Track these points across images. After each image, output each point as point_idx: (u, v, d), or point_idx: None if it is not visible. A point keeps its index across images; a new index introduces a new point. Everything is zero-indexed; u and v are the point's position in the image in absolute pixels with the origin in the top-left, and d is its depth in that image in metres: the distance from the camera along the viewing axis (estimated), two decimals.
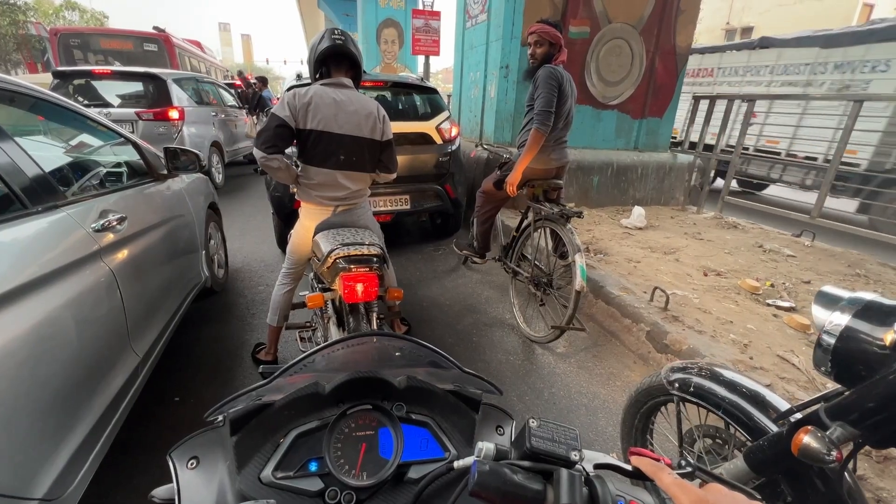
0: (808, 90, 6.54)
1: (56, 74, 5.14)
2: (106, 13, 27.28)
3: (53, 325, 1.16)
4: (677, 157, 5.09)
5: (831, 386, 1.77)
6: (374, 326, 1.66)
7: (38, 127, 1.93)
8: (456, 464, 0.48)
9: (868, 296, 0.80)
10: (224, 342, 2.41)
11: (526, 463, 0.44)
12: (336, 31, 1.74)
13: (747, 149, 6.52)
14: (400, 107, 4.06)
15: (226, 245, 3.27)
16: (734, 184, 6.33)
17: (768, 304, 2.63)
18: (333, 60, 1.77)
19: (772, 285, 2.88)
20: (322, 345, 0.70)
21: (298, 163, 1.85)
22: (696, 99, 5.21)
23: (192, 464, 0.51)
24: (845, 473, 0.83)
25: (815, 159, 6.08)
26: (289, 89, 1.93)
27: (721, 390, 1.06)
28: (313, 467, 0.52)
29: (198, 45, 12.58)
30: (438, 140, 3.58)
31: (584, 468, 0.45)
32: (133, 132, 5.02)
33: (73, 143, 1.94)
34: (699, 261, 3.28)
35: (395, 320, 2.38)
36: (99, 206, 1.57)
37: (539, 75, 2.36)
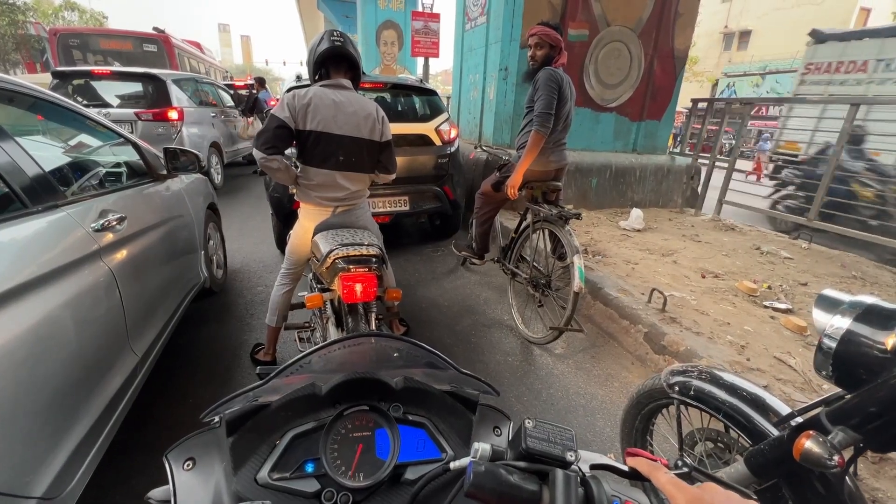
0: None
1: (55, 74, 5.14)
2: (105, 13, 27.25)
3: (53, 325, 1.16)
4: (675, 160, 5.11)
5: (828, 388, 1.78)
6: (373, 327, 1.67)
7: (38, 126, 1.93)
8: (452, 465, 0.48)
9: (869, 299, 0.80)
10: (223, 342, 2.41)
11: (522, 464, 0.44)
12: (335, 33, 1.75)
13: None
14: (399, 108, 4.07)
15: (224, 245, 3.27)
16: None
17: (765, 306, 2.64)
18: (332, 62, 1.78)
19: (769, 287, 2.90)
20: (319, 345, 0.70)
21: (298, 164, 1.85)
22: (694, 102, 5.24)
23: (188, 465, 0.51)
24: (846, 478, 0.83)
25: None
26: (288, 90, 1.94)
27: (721, 394, 1.06)
28: (310, 468, 0.52)
29: (197, 45, 12.58)
30: (437, 141, 3.58)
31: (580, 469, 0.45)
32: (132, 132, 5.02)
33: (73, 142, 1.94)
34: (697, 263, 3.29)
35: (393, 321, 2.38)
36: (99, 205, 1.58)
37: (539, 77, 2.37)
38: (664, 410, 1.30)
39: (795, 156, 5.99)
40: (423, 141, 3.56)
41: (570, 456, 0.44)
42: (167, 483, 0.50)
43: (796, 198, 5.00)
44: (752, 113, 4.70)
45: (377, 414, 0.56)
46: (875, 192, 4.46)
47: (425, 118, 3.74)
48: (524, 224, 2.72)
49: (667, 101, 5.04)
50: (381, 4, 14.42)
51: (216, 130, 6.41)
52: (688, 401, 1.13)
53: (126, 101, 5.27)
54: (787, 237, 4.09)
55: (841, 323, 0.79)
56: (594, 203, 4.75)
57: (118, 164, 2.05)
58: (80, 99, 5.14)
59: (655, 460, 0.47)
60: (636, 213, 4.19)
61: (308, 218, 1.87)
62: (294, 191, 1.94)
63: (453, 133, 3.70)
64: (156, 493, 0.51)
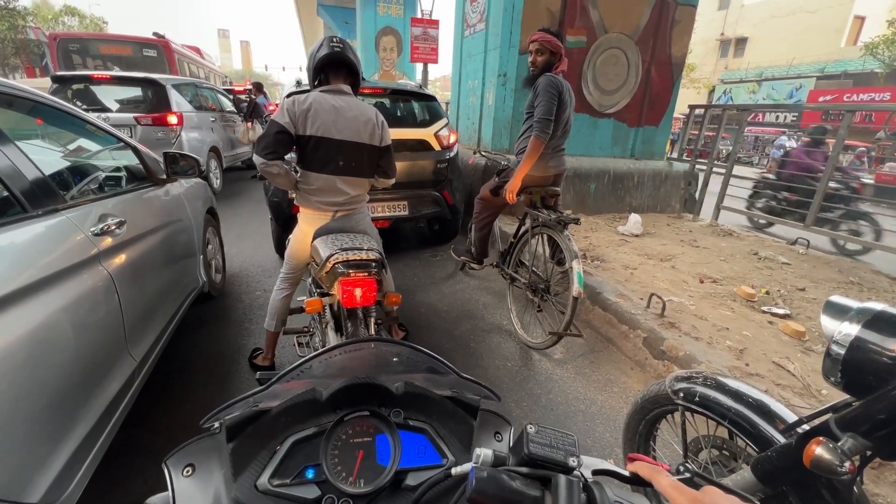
0: None
1: (55, 79, 5.16)
2: (105, 19, 27.33)
3: (51, 329, 1.16)
4: (673, 166, 5.13)
5: (828, 393, 1.78)
6: (373, 332, 1.66)
7: (37, 130, 1.94)
8: (454, 470, 0.48)
9: (878, 306, 0.79)
10: (221, 347, 2.40)
11: (524, 469, 0.44)
12: (334, 39, 1.76)
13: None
14: (398, 113, 4.09)
15: (223, 250, 3.27)
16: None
17: (764, 311, 2.65)
18: (332, 68, 1.79)
19: (767, 292, 2.90)
20: (319, 350, 0.70)
21: (298, 168, 1.86)
22: (691, 108, 5.27)
23: (187, 471, 0.51)
24: (854, 485, 0.83)
25: None
26: (288, 96, 1.95)
27: (727, 400, 1.05)
28: (310, 474, 0.52)
29: (197, 51, 12.63)
30: (437, 147, 3.60)
31: (582, 474, 0.45)
32: (131, 137, 5.02)
33: (73, 146, 1.95)
34: (695, 268, 3.30)
35: (393, 326, 2.38)
36: (98, 210, 1.58)
37: (539, 83, 2.39)
38: (668, 417, 1.30)
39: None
40: (422, 146, 3.58)
41: (572, 461, 0.44)
42: (166, 490, 0.49)
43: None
44: (748, 119, 4.73)
45: (378, 419, 0.56)
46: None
47: (424, 123, 3.76)
48: (523, 229, 2.73)
49: (664, 108, 5.08)
50: (381, 11, 14.52)
51: (215, 135, 6.42)
52: (693, 407, 1.12)
53: (125, 105, 5.29)
54: (785, 242, 4.10)
55: (849, 329, 0.79)
56: (592, 208, 4.77)
57: (118, 169, 2.05)
58: (79, 103, 5.14)
59: (657, 464, 0.47)
60: (634, 218, 4.21)
61: (308, 222, 1.88)
62: (293, 195, 1.94)
63: (452, 138, 3.71)
64: (154, 499, 0.51)
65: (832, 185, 4.36)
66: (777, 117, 20.59)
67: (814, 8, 21.31)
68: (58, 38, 9.23)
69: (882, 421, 0.74)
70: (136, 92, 5.35)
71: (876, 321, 0.77)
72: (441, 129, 3.64)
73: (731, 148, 4.90)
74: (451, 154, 3.70)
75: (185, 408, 1.91)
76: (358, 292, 1.46)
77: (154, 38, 9.53)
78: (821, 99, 18.89)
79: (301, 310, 1.81)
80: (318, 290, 1.85)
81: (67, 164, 1.79)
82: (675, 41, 4.85)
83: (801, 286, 3.04)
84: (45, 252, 1.24)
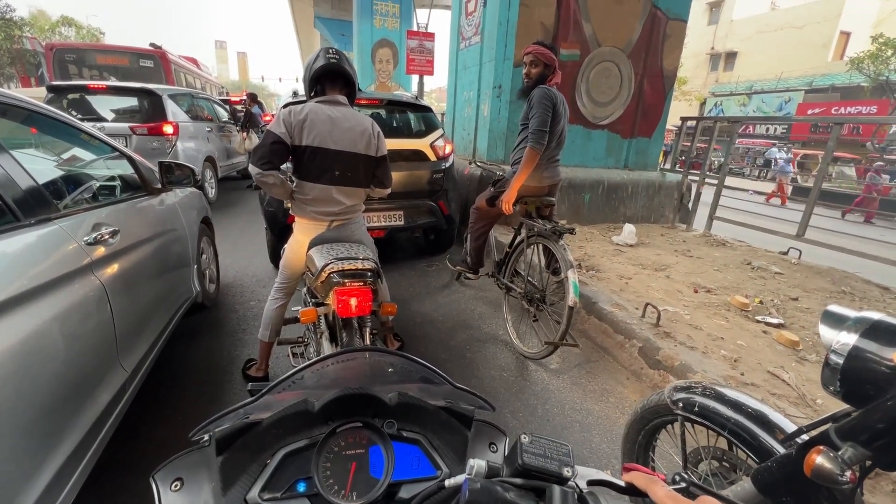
0: None
1: (50, 89, 5.16)
2: (102, 30, 27.45)
3: (42, 339, 1.14)
4: (666, 176, 5.19)
5: (823, 402, 1.78)
6: (368, 342, 1.65)
7: (32, 139, 1.93)
8: (447, 482, 0.47)
9: (875, 315, 0.79)
10: (214, 358, 2.38)
11: (518, 480, 0.43)
12: (331, 51, 1.78)
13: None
14: (395, 124, 4.11)
15: (218, 260, 3.25)
16: None
17: (758, 321, 2.66)
18: (328, 78, 1.80)
19: (761, 302, 2.92)
20: (312, 361, 0.69)
21: (293, 178, 1.86)
22: (683, 120, 5.35)
23: (176, 486, 0.50)
24: (854, 496, 0.82)
25: None
26: (285, 106, 1.96)
27: (726, 410, 1.05)
28: (301, 488, 0.51)
29: (194, 61, 12.70)
30: (432, 157, 3.62)
31: (577, 485, 0.45)
32: (127, 146, 5.02)
33: (67, 155, 1.94)
34: (689, 277, 3.32)
35: (388, 336, 2.36)
36: (92, 219, 1.57)
37: (534, 95, 2.42)
38: (668, 427, 1.29)
39: None
40: (418, 156, 3.60)
41: (566, 472, 0.44)
42: None
43: None
44: (739, 131, 4.81)
45: (371, 431, 0.55)
46: None
47: (420, 134, 3.79)
48: (518, 239, 2.74)
49: (657, 119, 5.15)
50: (377, 23, 14.71)
51: (211, 145, 6.43)
52: (692, 417, 1.12)
53: (121, 115, 5.29)
54: (777, 252, 4.14)
55: (847, 339, 0.79)
56: (587, 218, 4.80)
57: (112, 178, 2.04)
58: (74, 113, 5.14)
59: (652, 474, 0.47)
60: (629, 228, 4.24)
61: (303, 232, 1.87)
62: (289, 205, 1.94)
63: (448, 149, 3.74)
64: None
65: None
66: (767, 129, 20.94)
67: (800, 24, 21.83)
68: (54, 48, 9.25)
69: (881, 431, 0.74)
70: (132, 102, 5.36)
71: (874, 330, 0.77)
72: (437, 139, 3.66)
73: (722, 159, 4.95)
74: (447, 164, 3.72)
75: (176, 419, 1.88)
76: (353, 302, 1.45)
77: (151, 48, 9.57)
78: (809, 112, 19.24)
79: (296, 320, 1.79)
80: (313, 300, 1.84)
81: (61, 172, 1.78)
82: (667, 55, 4.94)
83: (794, 296, 3.07)
84: (37, 261, 1.23)
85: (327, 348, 1.65)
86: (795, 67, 21.08)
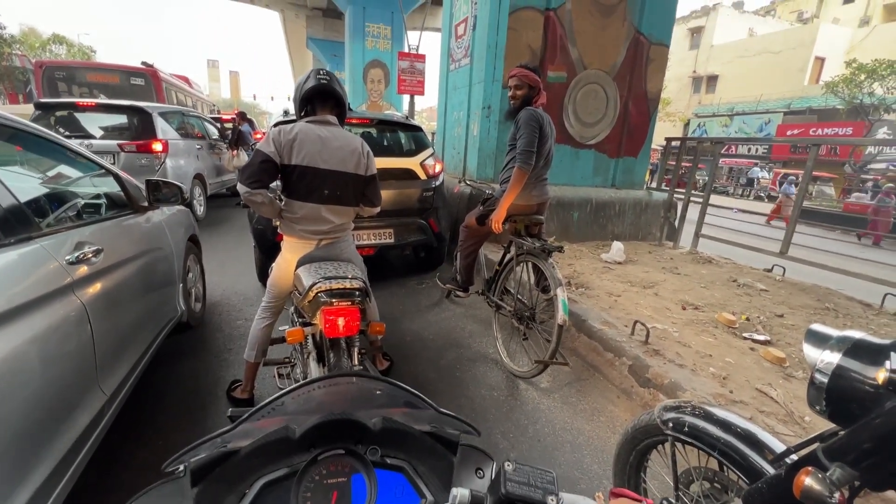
0: None
1: (38, 106, 5.12)
2: (94, 48, 27.52)
3: (17, 361, 1.10)
4: (652, 195, 5.29)
5: (811, 420, 1.78)
6: (356, 362, 1.63)
7: (16, 157, 1.90)
8: None
9: (857, 334, 0.80)
10: (198, 379, 2.32)
11: None
12: (321, 72, 1.80)
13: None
14: (385, 143, 4.15)
15: (204, 278, 3.20)
16: None
17: (745, 338, 2.68)
18: (319, 99, 1.82)
19: (747, 319, 2.96)
20: (293, 386, 0.68)
21: (282, 197, 1.86)
22: (668, 141, 5.48)
23: None
24: None
25: None
26: (275, 125, 1.97)
27: (715, 430, 1.05)
28: None
29: (185, 80, 12.75)
30: (423, 176, 3.65)
31: None
32: (114, 163, 4.98)
33: (52, 173, 1.91)
34: (677, 295, 3.35)
35: (377, 355, 2.33)
36: (75, 237, 1.54)
37: (520, 117, 2.47)
38: (659, 447, 1.28)
39: None
40: (408, 175, 3.62)
41: (551, 500, 0.43)
42: None
43: None
44: (722, 151, 4.94)
45: (353, 458, 0.54)
46: None
47: (411, 153, 3.82)
48: (508, 257, 2.75)
49: (642, 140, 5.27)
50: (369, 45, 14.99)
51: (200, 162, 6.41)
52: (682, 438, 1.12)
53: (110, 132, 5.26)
54: (762, 270, 4.21)
55: (831, 358, 0.79)
56: (576, 236, 4.85)
57: (98, 196, 2.02)
58: (62, 130, 5.11)
59: (640, 500, 0.46)
60: (617, 245, 4.28)
61: (291, 251, 1.86)
62: (278, 223, 1.93)
63: (438, 168, 3.78)
64: None
65: None
66: (749, 149, 21.55)
67: (777, 49, 22.73)
68: (43, 65, 9.23)
69: (867, 450, 0.73)
70: (121, 119, 5.33)
71: (856, 349, 0.78)
72: (427, 158, 3.70)
73: (707, 178, 5.07)
74: (437, 183, 3.75)
75: (156, 444, 1.82)
76: (341, 322, 1.44)
77: (142, 66, 9.60)
78: (788, 133, 19.89)
79: (283, 340, 1.77)
80: (301, 320, 1.82)
81: (45, 191, 1.74)
82: (650, 78, 5.10)
83: (780, 312, 3.11)
84: (16, 281, 1.20)
85: (314, 369, 1.63)
86: (774, 90, 21.87)
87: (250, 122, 9.24)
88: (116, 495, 1.53)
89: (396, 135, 4.17)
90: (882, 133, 18.28)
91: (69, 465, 1.28)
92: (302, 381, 0.68)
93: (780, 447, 0.97)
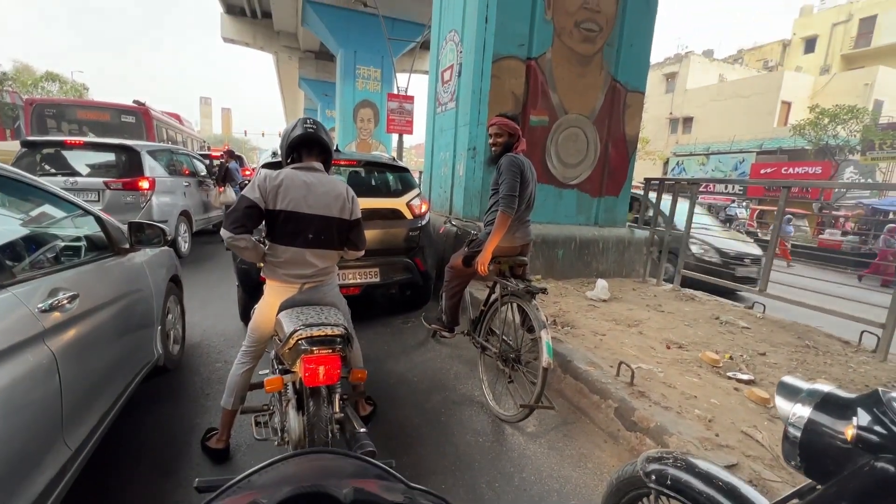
0: None
1: (24, 144, 5.13)
2: (87, 85, 27.87)
3: None
4: (635, 233, 5.41)
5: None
6: (337, 409, 1.59)
7: None
8: None
9: (825, 387, 0.81)
10: (172, 427, 2.22)
11: None
12: (308, 121, 1.86)
13: None
14: (373, 183, 4.22)
15: (184, 319, 3.13)
16: None
17: (729, 377, 2.69)
18: (305, 147, 1.87)
19: (731, 358, 2.98)
20: (262, 464, 0.66)
21: (266, 241, 1.87)
22: (647, 181, 5.68)
23: None
24: None
25: None
26: (264, 166, 2.00)
27: (698, 484, 1.03)
28: None
29: (177, 117, 12.93)
30: (409, 215, 3.70)
31: None
32: (98, 201, 4.95)
33: (28, 217, 1.88)
34: (661, 333, 3.37)
35: (360, 400, 2.28)
36: (49, 284, 1.51)
37: (502, 163, 2.55)
38: (644, 499, 1.26)
39: None
40: (394, 215, 3.67)
41: None
42: None
43: None
44: (700, 189, 5.12)
45: None
46: None
47: (397, 193, 3.89)
48: (493, 297, 2.76)
49: (622, 179, 5.45)
50: (359, 86, 15.48)
51: (188, 199, 6.41)
52: (665, 491, 1.10)
53: (96, 170, 5.26)
54: (743, 307, 4.29)
55: (802, 412, 0.79)
56: (561, 273, 4.90)
57: (77, 238, 2.00)
58: (48, 168, 5.09)
59: None
60: (601, 283, 4.33)
61: (274, 294, 1.85)
62: (261, 265, 1.93)
63: (424, 208, 3.84)
64: None
65: None
66: (726, 187, 22.37)
67: (747, 94, 24.10)
68: (34, 103, 9.29)
69: None
70: (108, 157, 5.35)
71: (825, 404, 0.79)
72: (413, 198, 3.76)
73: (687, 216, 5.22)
74: (423, 222, 3.80)
75: (125, 499, 1.72)
76: (321, 370, 1.42)
77: (133, 104, 9.73)
78: (762, 171, 20.76)
79: (262, 385, 1.72)
80: (281, 367, 1.78)
81: (20, 235, 1.71)
82: (628, 122, 5.34)
83: (762, 350, 3.14)
84: None
85: (293, 417, 1.58)
86: (746, 131, 22.99)
87: (239, 159, 9.34)
88: None
89: (383, 175, 4.25)
90: (849, 172, 19.22)
91: None
92: (272, 459, 0.66)
93: (762, 502, 0.96)
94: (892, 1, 22.92)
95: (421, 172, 7.09)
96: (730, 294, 5.08)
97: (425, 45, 10.96)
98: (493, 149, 2.69)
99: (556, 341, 2.92)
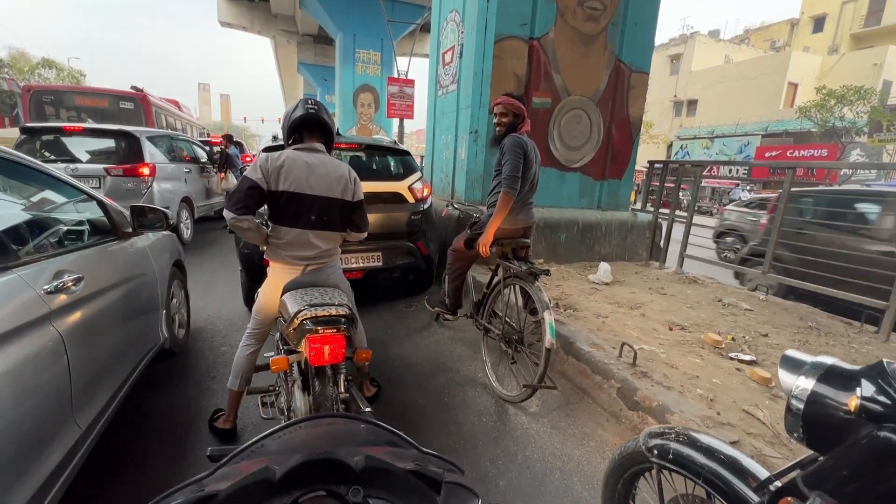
0: None
1: (24, 130, 5.10)
2: (84, 72, 27.59)
3: None
4: (637, 216, 5.38)
5: (796, 442, 1.78)
6: (342, 389, 1.61)
7: None
8: None
9: (829, 360, 0.81)
10: (179, 409, 2.26)
11: None
12: (310, 101, 1.83)
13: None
14: (374, 167, 4.20)
15: (189, 303, 3.15)
16: None
17: (731, 358, 2.70)
18: (306, 127, 1.85)
19: (733, 339, 2.99)
20: (274, 428, 0.66)
21: (269, 223, 1.86)
22: (651, 164, 5.62)
23: None
24: None
25: None
26: (264, 150, 1.99)
27: (700, 457, 1.04)
28: None
29: (175, 103, 12.80)
30: (411, 199, 3.68)
31: None
32: (100, 188, 4.94)
33: (32, 200, 1.88)
34: (664, 315, 3.38)
35: (364, 382, 2.30)
36: (54, 266, 1.52)
37: (505, 143, 2.52)
38: (646, 474, 1.27)
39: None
40: (396, 199, 3.65)
41: None
42: None
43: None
44: (704, 172, 5.07)
45: (335, 499, 0.53)
46: None
47: (399, 177, 3.86)
48: (496, 280, 2.77)
49: (626, 162, 5.40)
50: (359, 70, 15.28)
51: (188, 186, 6.39)
52: (667, 465, 1.11)
53: (96, 156, 5.23)
54: (745, 289, 4.28)
55: (806, 384, 0.80)
56: (563, 257, 4.89)
57: (80, 222, 2.00)
58: (48, 154, 5.07)
59: None
60: (604, 266, 4.33)
61: (277, 276, 1.85)
62: (264, 249, 1.93)
63: (426, 191, 3.81)
64: None
65: None
66: (730, 170, 22.20)
67: (752, 75, 23.69)
68: (31, 89, 9.20)
69: (845, 478, 0.73)
70: (108, 143, 5.32)
71: (829, 376, 0.79)
72: (415, 182, 3.74)
73: (691, 198, 5.18)
74: (425, 206, 3.78)
75: (134, 478, 1.75)
76: (326, 350, 1.43)
77: (132, 91, 9.63)
78: (767, 154, 20.55)
79: (267, 367, 1.74)
80: (286, 348, 1.79)
81: (24, 219, 1.72)
82: (632, 103, 5.26)
83: (764, 332, 3.15)
84: None
85: (299, 397, 1.60)
86: (751, 114, 22.69)
87: (238, 145, 9.28)
88: None
89: (385, 159, 4.22)
90: (855, 154, 19.00)
91: (40, 503, 1.23)
92: (283, 423, 0.66)
93: (763, 474, 0.96)
94: None
95: (422, 157, 7.04)
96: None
97: (426, 28, 10.76)
98: (497, 129, 2.66)
99: (558, 323, 2.93)
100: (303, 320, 1.46)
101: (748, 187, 18.54)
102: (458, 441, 2.11)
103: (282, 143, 1.97)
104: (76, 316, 1.53)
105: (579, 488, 1.85)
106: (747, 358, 2.70)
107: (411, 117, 10.26)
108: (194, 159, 7.10)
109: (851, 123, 17.67)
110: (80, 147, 5.22)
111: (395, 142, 4.13)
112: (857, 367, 0.79)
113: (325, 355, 1.43)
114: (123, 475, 1.78)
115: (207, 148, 8.34)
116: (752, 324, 3.33)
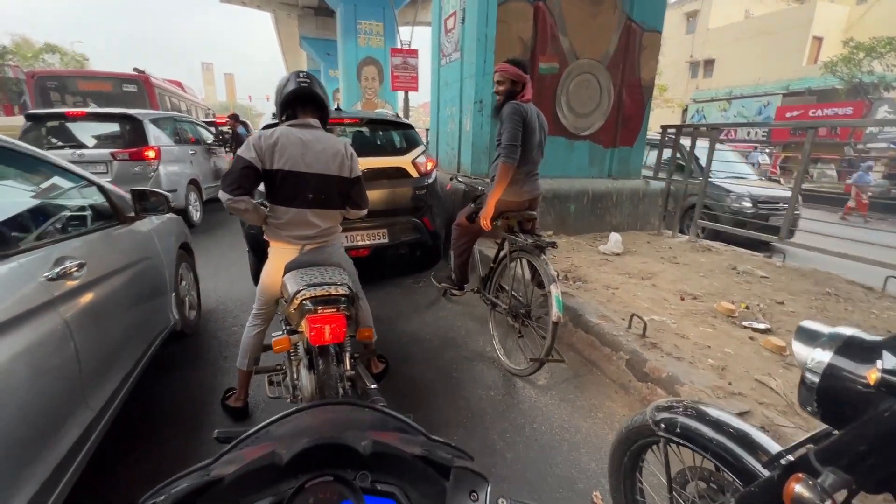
0: None
1: (29, 117, 5.11)
2: (87, 56, 27.44)
3: None
4: (650, 184, 5.23)
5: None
6: (347, 367, 1.61)
7: None
8: None
9: (848, 331, 0.77)
10: (193, 389, 2.31)
11: None
12: (301, 74, 1.77)
13: None
14: (377, 142, 4.11)
15: (199, 285, 3.19)
16: None
17: (744, 327, 2.65)
18: (299, 102, 1.79)
19: (747, 307, 2.92)
20: (280, 414, 0.66)
21: (266, 203, 1.84)
22: (664, 129, 5.42)
23: None
24: None
25: None
26: (264, 127, 1.94)
27: (708, 431, 1.02)
28: None
29: (178, 84, 12.69)
30: (414, 174, 3.62)
31: None
32: (107, 172, 4.96)
33: (31, 188, 1.88)
34: (675, 285, 3.31)
35: (372, 358, 2.31)
36: (55, 253, 1.52)
37: (504, 111, 2.43)
38: (654, 447, 1.26)
39: None
40: (400, 174, 3.59)
41: None
42: None
43: None
44: (721, 136, 4.87)
45: (342, 485, 0.52)
46: None
47: (402, 151, 3.79)
48: (502, 254, 2.72)
49: (637, 129, 5.21)
50: (362, 42, 14.87)
51: (195, 168, 6.39)
52: (675, 439, 1.09)
53: (102, 141, 5.24)
54: (762, 256, 4.17)
55: (822, 357, 0.76)
56: (573, 228, 4.81)
57: (82, 208, 1.99)
58: (54, 140, 5.09)
59: None
60: (614, 237, 4.25)
61: (278, 256, 1.84)
62: (264, 227, 1.91)
63: (430, 165, 3.74)
64: None
65: None
66: (749, 133, 21.36)
67: (774, 30, 22.44)
68: (35, 75, 9.19)
69: (861, 452, 0.70)
70: (113, 127, 5.31)
71: (847, 347, 0.74)
72: (418, 156, 3.66)
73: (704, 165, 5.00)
74: (430, 180, 3.72)
75: (151, 456, 1.81)
76: (326, 329, 1.42)
77: (134, 73, 9.55)
78: (787, 115, 19.68)
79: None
80: (288, 328, 1.79)
81: (23, 206, 1.72)
82: (644, 66, 5.02)
83: (780, 299, 3.07)
84: None
85: (305, 376, 1.61)
86: (772, 72, 21.61)
87: (244, 125, 9.22)
88: None
89: (387, 133, 4.13)
90: (882, 111, 18.07)
91: (57, 483, 1.27)
92: (290, 410, 0.65)
93: (774, 448, 0.94)
94: None
95: (428, 130, 6.89)
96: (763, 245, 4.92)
97: None
98: (497, 98, 2.55)
99: (567, 296, 2.90)
100: (302, 300, 1.45)
101: (766, 150, 17.85)
102: (467, 415, 2.13)
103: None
104: (80, 302, 1.54)
105: (587, 459, 1.85)
106: (761, 326, 2.64)
107: (416, 89, 10.02)
108: (200, 140, 7.07)
109: (881, 78, 16.71)
110: (85, 132, 5.23)
111: (398, 115, 4.02)
112: (878, 338, 0.74)
113: (326, 335, 1.42)
114: (140, 453, 1.83)
115: (213, 129, 8.29)
116: (768, 291, 3.25)
